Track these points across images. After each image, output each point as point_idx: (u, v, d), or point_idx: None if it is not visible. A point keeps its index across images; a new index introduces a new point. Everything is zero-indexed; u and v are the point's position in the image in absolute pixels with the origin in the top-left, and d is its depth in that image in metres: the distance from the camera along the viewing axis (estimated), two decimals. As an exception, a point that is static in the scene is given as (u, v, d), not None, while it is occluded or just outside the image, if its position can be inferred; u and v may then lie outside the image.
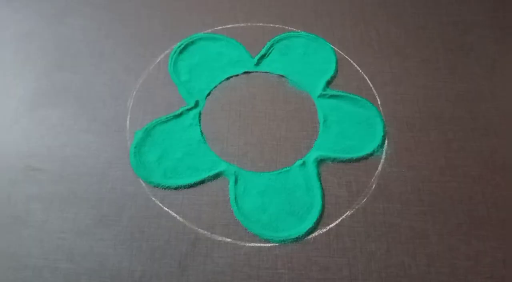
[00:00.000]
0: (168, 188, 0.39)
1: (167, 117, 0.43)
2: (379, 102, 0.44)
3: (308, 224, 0.37)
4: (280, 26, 0.49)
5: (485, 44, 0.48)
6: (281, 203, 0.38)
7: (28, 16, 0.49)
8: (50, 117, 0.43)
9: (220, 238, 0.37)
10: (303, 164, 0.40)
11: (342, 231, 0.37)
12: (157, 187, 0.39)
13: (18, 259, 0.35)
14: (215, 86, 0.45)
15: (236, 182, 0.39)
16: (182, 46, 0.47)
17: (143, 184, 0.39)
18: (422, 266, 0.36)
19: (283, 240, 0.36)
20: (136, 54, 0.47)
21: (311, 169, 0.40)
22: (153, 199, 0.38)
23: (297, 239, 0.37)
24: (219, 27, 0.49)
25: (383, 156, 0.39)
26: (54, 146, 0.41)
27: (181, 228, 0.37)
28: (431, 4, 0.52)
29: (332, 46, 0.48)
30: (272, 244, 0.36)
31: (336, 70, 0.46)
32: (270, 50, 0.47)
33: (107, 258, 0.36)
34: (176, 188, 0.39)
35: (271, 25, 0.49)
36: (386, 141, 0.41)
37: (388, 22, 0.50)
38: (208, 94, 0.44)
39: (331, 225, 0.37)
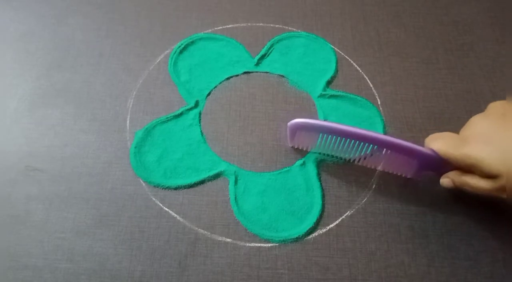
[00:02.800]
0: (168, 188, 0.39)
1: (167, 117, 0.43)
2: (379, 102, 0.44)
3: (308, 224, 0.37)
4: (280, 26, 0.49)
5: (485, 44, 0.48)
6: (281, 203, 0.38)
7: (28, 16, 0.49)
8: (50, 117, 0.43)
9: (220, 238, 0.37)
10: (303, 164, 0.40)
11: (342, 231, 0.37)
12: (157, 187, 0.39)
13: (18, 259, 0.35)
14: (215, 86, 0.45)
15: (236, 182, 0.39)
16: (182, 46, 0.47)
17: (143, 184, 0.39)
18: (422, 266, 0.36)
19: (283, 240, 0.36)
20: (136, 54, 0.47)
21: (311, 169, 0.40)
22: (153, 199, 0.38)
23: (297, 239, 0.37)
24: (219, 27, 0.49)
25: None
26: (54, 146, 0.41)
27: (181, 228, 0.37)
28: (431, 4, 0.52)
29: (332, 46, 0.48)
30: (272, 244, 0.36)
31: (336, 70, 0.46)
32: (270, 50, 0.47)
33: (107, 258, 0.36)
34: (176, 188, 0.39)
35: (271, 25, 0.49)
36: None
37: (388, 22, 0.50)
38: (208, 94, 0.44)
39: (331, 225, 0.37)
